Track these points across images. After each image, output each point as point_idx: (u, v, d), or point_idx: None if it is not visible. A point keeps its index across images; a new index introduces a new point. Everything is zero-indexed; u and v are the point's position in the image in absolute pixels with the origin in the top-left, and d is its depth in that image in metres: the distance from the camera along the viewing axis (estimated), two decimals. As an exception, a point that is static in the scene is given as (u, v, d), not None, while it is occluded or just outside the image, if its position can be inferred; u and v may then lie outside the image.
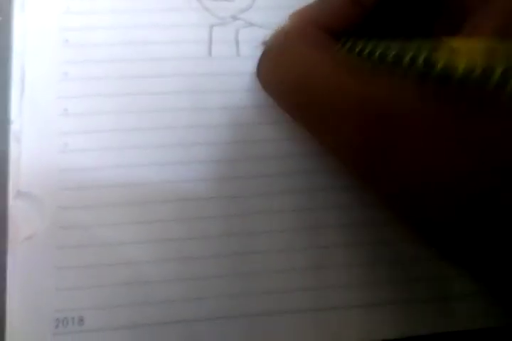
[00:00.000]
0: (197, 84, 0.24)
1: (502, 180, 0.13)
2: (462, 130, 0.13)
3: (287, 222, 0.23)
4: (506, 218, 0.13)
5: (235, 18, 0.25)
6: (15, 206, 0.22)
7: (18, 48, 0.24)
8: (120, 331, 0.21)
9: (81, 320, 0.21)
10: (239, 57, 0.25)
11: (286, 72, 0.16)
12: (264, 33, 0.25)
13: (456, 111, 0.13)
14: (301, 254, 0.22)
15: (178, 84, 0.24)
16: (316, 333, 0.22)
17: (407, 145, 0.14)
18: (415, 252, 0.22)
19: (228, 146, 0.23)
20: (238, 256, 0.22)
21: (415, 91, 0.14)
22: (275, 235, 0.22)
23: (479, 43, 0.12)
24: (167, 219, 0.22)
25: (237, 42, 0.25)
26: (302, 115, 0.17)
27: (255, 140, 0.24)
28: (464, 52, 0.12)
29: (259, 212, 0.23)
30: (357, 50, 0.16)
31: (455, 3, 0.17)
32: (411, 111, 0.14)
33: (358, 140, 0.15)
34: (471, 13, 0.15)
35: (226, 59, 0.25)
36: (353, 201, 0.23)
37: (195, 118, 0.24)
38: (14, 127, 0.23)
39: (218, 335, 0.21)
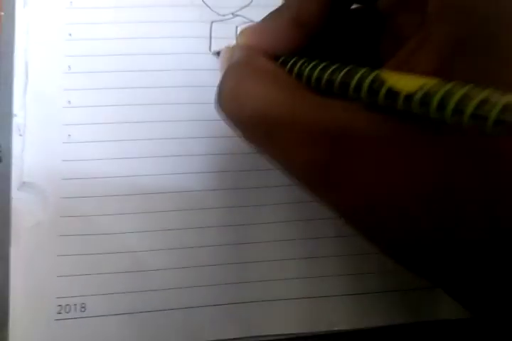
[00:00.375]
0: (197, 78, 0.25)
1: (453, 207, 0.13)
2: (412, 150, 0.14)
3: (281, 213, 0.23)
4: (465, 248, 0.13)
5: (234, 14, 0.26)
6: (18, 198, 0.23)
7: (21, 43, 0.25)
8: (121, 317, 0.22)
9: (83, 307, 0.22)
10: (238, 53, 0.26)
11: (240, 106, 0.17)
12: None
13: (404, 128, 0.13)
14: (295, 245, 0.23)
15: (179, 78, 0.25)
16: (309, 320, 0.22)
17: (358, 166, 0.14)
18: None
19: (227, 140, 0.24)
20: (234, 245, 0.23)
21: (365, 113, 0.14)
22: (270, 226, 0.23)
23: (419, 81, 0.13)
24: (166, 209, 0.23)
25: (236, 38, 0.26)
26: (261, 146, 0.17)
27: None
28: (405, 86, 0.13)
29: (255, 204, 0.23)
30: (304, 75, 0.17)
31: (395, 26, 0.18)
32: (362, 132, 0.14)
33: (310, 165, 0.15)
34: (409, 37, 0.15)
35: (226, 54, 0.25)
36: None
37: (195, 111, 0.24)
38: (17, 120, 0.24)
39: (215, 321, 0.22)
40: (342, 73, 0.15)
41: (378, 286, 0.23)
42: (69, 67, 0.24)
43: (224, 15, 0.26)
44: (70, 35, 0.25)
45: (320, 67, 0.16)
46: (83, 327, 0.21)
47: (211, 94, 0.25)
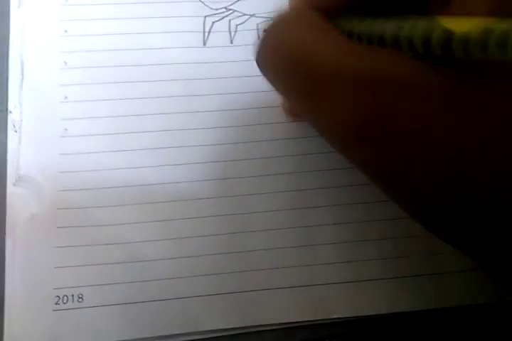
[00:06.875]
0: (191, 72, 0.25)
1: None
2: (464, 98, 0.13)
3: (279, 202, 0.23)
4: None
5: (227, 8, 0.26)
6: (14, 192, 0.23)
7: (16, 42, 0.25)
8: (118, 307, 0.22)
9: (80, 297, 0.22)
10: (232, 46, 0.26)
11: (285, 55, 0.16)
12: (255, 22, 0.26)
13: (457, 79, 0.13)
14: (293, 233, 0.23)
15: (173, 72, 0.25)
16: (308, 309, 0.22)
17: (407, 117, 0.14)
18: (405, 229, 0.23)
19: (220, 130, 0.24)
20: (231, 235, 0.23)
21: (414, 63, 0.14)
22: (267, 215, 0.23)
23: (474, 21, 0.12)
24: (162, 200, 0.23)
25: (230, 32, 0.26)
26: (301, 99, 0.16)
27: (247, 124, 0.24)
28: (459, 27, 0.12)
29: (251, 193, 0.23)
30: (355, 31, 0.16)
31: None
32: (411, 82, 0.14)
33: (354, 115, 0.14)
34: None
35: (220, 48, 0.26)
36: (342, 181, 0.24)
37: (190, 104, 0.25)
38: (12, 117, 0.24)
39: (213, 311, 0.22)
40: (393, 25, 0.14)
41: (378, 273, 0.23)
42: (65, 62, 0.25)
43: (217, 10, 0.26)
44: (66, 31, 0.25)
45: (370, 23, 0.15)
46: (81, 318, 0.21)
47: (205, 87, 0.25)
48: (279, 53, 0.17)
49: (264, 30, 0.25)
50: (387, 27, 0.14)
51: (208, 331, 0.22)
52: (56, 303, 0.22)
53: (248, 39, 0.26)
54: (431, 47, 0.13)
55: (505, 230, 0.13)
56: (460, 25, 0.12)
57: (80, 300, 0.22)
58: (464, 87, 0.13)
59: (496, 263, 0.15)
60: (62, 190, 0.23)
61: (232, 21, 0.26)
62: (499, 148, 0.13)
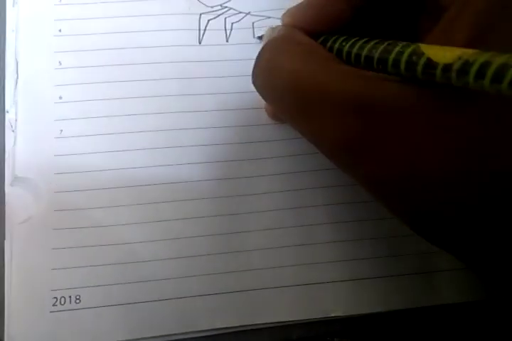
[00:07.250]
0: (187, 71, 0.25)
1: (489, 183, 0.13)
2: (445, 119, 0.14)
3: (275, 202, 0.23)
4: (495, 223, 0.14)
5: (223, 6, 0.26)
6: (11, 193, 0.23)
7: (11, 41, 0.25)
8: (116, 308, 0.22)
9: (78, 298, 0.22)
10: (228, 45, 0.26)
11: (277, 80, 0.17)
12: (251, 20, 0.26)
13: (439, 101, 0.14)
14: (290, 232, 0.23)
15: (169, 71, 0.25)
16: (305, 307, 0.22)
17: (391, 136, 0.14)
18: (399, 228, 0.23)
19: (216, 130, 0.24)
20: (228, 235, 0.23)
21: (399, 85, 0.14)
22: (264, 215, 0.23)
23: (455, 51, 0.13)
24: (158, 200, 0.23)
25: (225, 30, 0.26)
26: (293, 118, 0.17)
27: (243, 124, 0.24)
28: (440, 58, 0.13)
29: (248, 193, 0.23)
30: (344, 53, 0.17)
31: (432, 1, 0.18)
32: (396, 107, 0.14)
33: (342, 135, 0.15)
34: (447, 9, 0.15)
35: (215, 46, 0.26)
36: (338, 181, 0.24)
37: (185, 103, 0.25)
38: (9, 116, 0.24)
39: (210, 311, 0.22)
40: (380, 48, 0.15)
41: (375, 272, 0.23)
42: (59, 62, 0.25)
43: (212, 7, 0.26)
44: (60, 31, 0.25)
45: (359, 44, 0.16)
46: (78, 319, 0.22)
47: (200, 86, 0.25)
48: (269, 76, 0.18)
49: (259, 37, 0.25)
50: (375, 52, 0.15)
51: (206, 330, 0.22)
52: (54, 305, 0.22)
53: (244, 37, 0.26)
54: (416, 72, 0.14)
55: (485, 232, 0.14)
56: (444, 55, 0.13)
57: (78, 301, 0.22)
58: (445, 108, 0.14)
59: (482, 263, 0.15)
60: (59, 192, 0.23)
61: (227, 19, 0.26)
62: (480, 162, 0.13)
